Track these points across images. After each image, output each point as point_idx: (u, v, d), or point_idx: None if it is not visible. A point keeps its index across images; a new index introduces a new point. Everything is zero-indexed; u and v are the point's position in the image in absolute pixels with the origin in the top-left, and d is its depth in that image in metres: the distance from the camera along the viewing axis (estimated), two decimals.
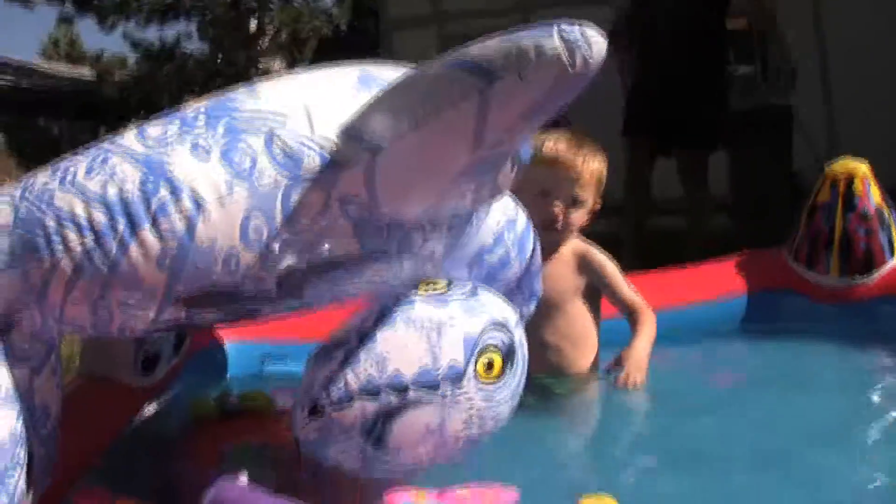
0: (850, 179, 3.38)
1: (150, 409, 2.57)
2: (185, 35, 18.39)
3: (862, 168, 3.40)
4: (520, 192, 2.74)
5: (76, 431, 1.97)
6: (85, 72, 19.99)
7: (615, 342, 2.81)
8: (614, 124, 5.95)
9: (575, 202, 2.77)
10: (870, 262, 3.37)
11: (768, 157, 7.34)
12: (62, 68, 23.06)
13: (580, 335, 2.87)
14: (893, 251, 3.39)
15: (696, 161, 5.76)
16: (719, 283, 3.53)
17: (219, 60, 17.29)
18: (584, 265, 2.87)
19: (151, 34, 18.92)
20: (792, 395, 2.71)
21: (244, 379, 2.97)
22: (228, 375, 3.03)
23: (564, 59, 1.43)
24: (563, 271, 2.85)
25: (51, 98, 19.75)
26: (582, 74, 1.45)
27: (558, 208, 2.76)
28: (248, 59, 16.37)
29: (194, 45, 18.40)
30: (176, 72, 17.16)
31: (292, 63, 18.61)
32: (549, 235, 2.77)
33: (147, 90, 16.86)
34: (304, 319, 2.44)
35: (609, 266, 2.87)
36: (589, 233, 2.90)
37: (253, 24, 17.44)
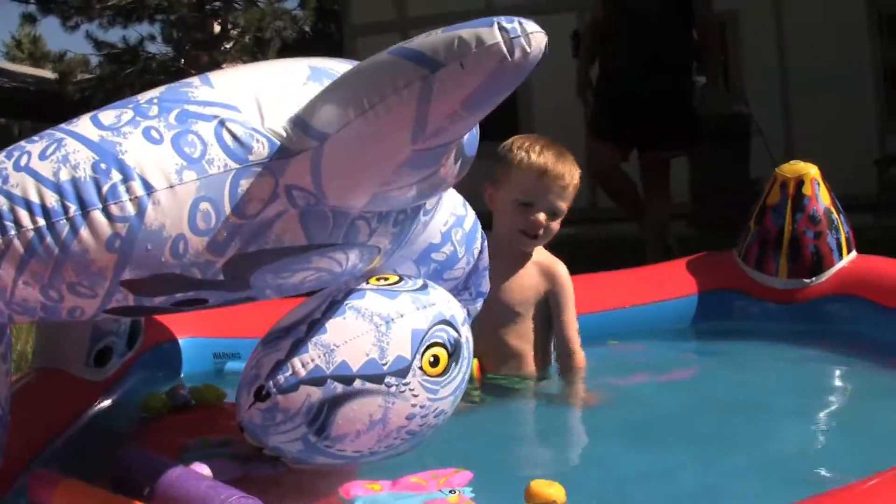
0: (799, 181, 3.42)
1: (102, 402, 2.57)
2: (149, 37, 18.32)
3: (812, 170, 3.44)
4: (503, 197, 2.80)
5: (27, 421, 1.97)
6: (47, 72, 19.84)
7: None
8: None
9: (556, 213, 2.81)
10: (818, 264, 3.41)
11: (727, 163, 7.43)
12: (25, 68, 22.90)
13: (539, 340, 2.90)
14: (842, 253, 3.42)
15: (660, 164, 5.85)
16: (670, 283, 3.57)
17: (182, 62, 17.20)
18: (550, 278, 2.90)
19: (115, 35, 18.83)
20: (735, 387, 2.79)
21: (196, 375, 2.98)
22: (181, 371, 3.05)
23: (503, 49, 1.46)
24: (531, 279, 2.89)
25: (12, 98, 19.58)
26: (520, 65, 1.48)
27: (541, 218, 2.78)
28: (211, 61, 16.30)
29: (157, 47, 18.33)
30: (139, 73, 17.07)
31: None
32: (526, 243, 2.84)
33: (109, 91, 16.76)
34: (255, 317, 2.47)
35: (569, 291, 2.90)
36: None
37: (216, 26, 17.39)
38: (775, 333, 3.28)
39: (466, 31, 1.48)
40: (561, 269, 2.91)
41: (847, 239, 3.45)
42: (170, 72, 17.19)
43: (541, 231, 2.79)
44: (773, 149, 6.55)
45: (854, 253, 3.47)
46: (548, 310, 2.89)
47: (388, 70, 1.55)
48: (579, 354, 2.86)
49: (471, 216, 2.38)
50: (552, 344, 2.91)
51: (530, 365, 2.88)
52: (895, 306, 3.14)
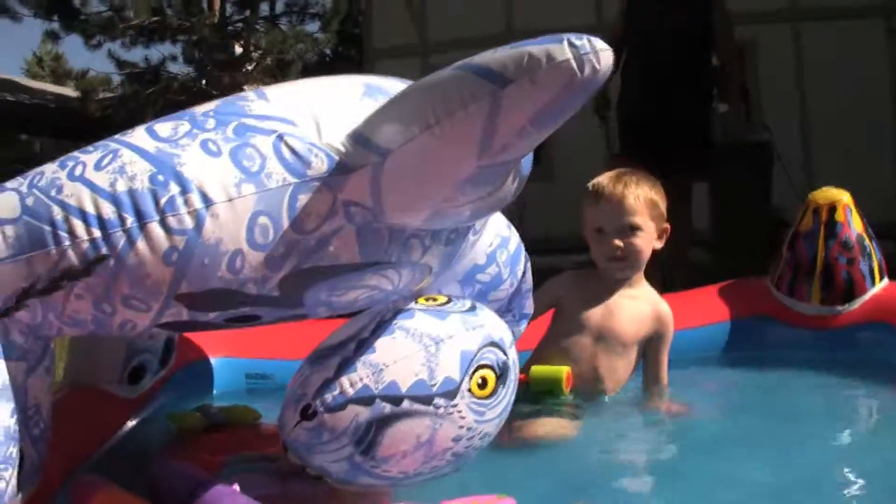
0: (832, 208, 3.41)
1: (135, 420, 2.58)
2: (171, 57, 18.41)
3: (844, 196, 3.43)
4: (586, 231, 2.85)
5: (63, 437, 1.97)
6: (69, 90, 19.92)
7: None
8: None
9: (631, 230, 2.82)
10: (851, 291, 3.39)
11: (749, 191, 7.39)
12: (46, 85, 22.99)
13: (623, 376, 2.89)
14: (874, 279, 3.41)
15: (682, 189, 5.79)
16: (703, 309, 3.56)
17: (203, 83, 17.28)
18: (657, 318, 2.90)
19: (137, 55, 18.87)
20: (772, 417, 2.74)
21: (227, 394, 2.98)
22: (212, 390, 3.05)
23: (574, 65, 1.48)
24: (641, 315, 2.89)
25: (34, 115, 19.67)
26: (590, 81, 1.50)
27: (615, 241, 2.81)
28: (233, 83, 16.38)
29: (179, 67, 18.43)
30: (160, 92, 17.14)
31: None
32: (617, 269, 2.86)
33: (131, 110, 16.84)
34: (287, 338, 2.46)
35: (671, 333, 2.92)
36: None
37: (238, 47, 17.48)
38: (808, 360, 3.25)
39: (536, 48, 1.49)
40: (669, 313, 2.92)
41: (879, 266, 3.44)
42: (191, 92, 17.25)
43: (619, 253, 2.81)
44: (794, 177, 6.52)
45: (886, 280, 3.46)
46: (644, 346, 2.90)
47: (455, 85, 1.55)
48: (664, 388, 2.90)
49: (515, 238, 2.38)
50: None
51: (602, 392, 2.86)
52: None
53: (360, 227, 1.69)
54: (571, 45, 1.48)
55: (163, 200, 1.57)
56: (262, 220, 1.60)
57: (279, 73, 17.02)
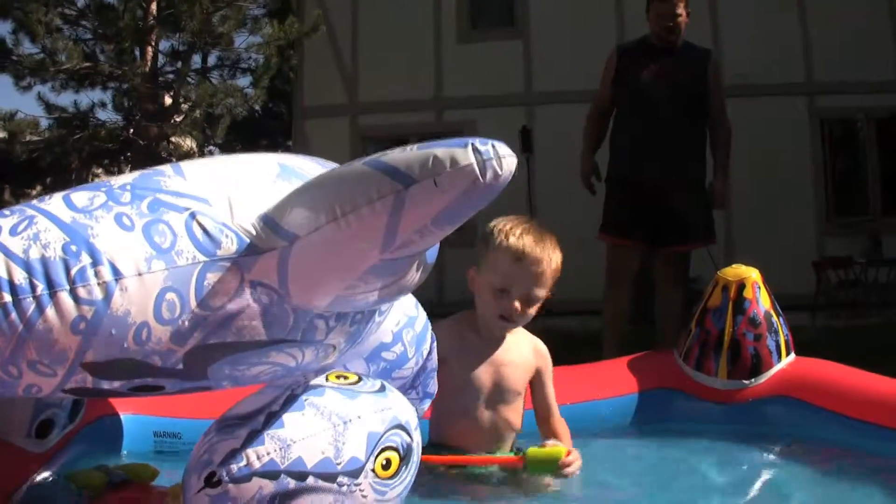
0: (741, 285, 3.49)
1: (41, 474, 2.55)
2: (100, 103, 18.25)
3: (753, 274, 3.52)
4: (482, 281, 2.79)
5: None
6: None
7: None
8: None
9: (531, 300, 2.78)
10: (757, 366, 3.46)
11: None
12: None
13: (519, 423, 2.92)
14: (781, 354, 3.49)
15: (681, 258, 5.74)
16: (613, 381, 3.60)
17: (131, 132, 17.14)
18: (538, 355, 2.94)
19: (66, 99, 18.63)
20: (674, 487, 2.82)
21: (136, 452, 2.96)
22: (121, 447, 3.03)
23: (476, 170, 1.54)
24: (525, 360, 2.92)
25: None
26: (491, 186, 1.57)
27: (517, 304, 2.76)
28: (160, 134, 16.28)
29: (108, 115, 18.27)
30: (87, 139, 16.95)
31: (204, 141, 18.54)
32: (503, 328, 2.86)
33: (57, 154, 16.65)
34: (197, 398, 2.46)
35: (551, 364, 2.96)
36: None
37: (168, 98, 17.38)
38: (714, 433, 3.31)
39: (441, 150, 1.55)
40: (543, 346, 2.96)
41: (786, 341, 3.52)
42: (118, 140, 17.11)
43: (513, 316, 2.78)
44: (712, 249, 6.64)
45: (793, 355, 3.53)
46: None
47: (362, 180, 1.61)
48: (558, 414, 2.94)
49: (422, 317, 2.42)
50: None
51: (503, 444, 2.90)
52: (832, 408, 3.19)
53: (266, 306, 1.72)
54: (475, 150, 1.55)
55: (74, 270, 1.59)
56: (170, 295, 1.63)
57: (207, 126, 16.94)
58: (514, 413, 2.90)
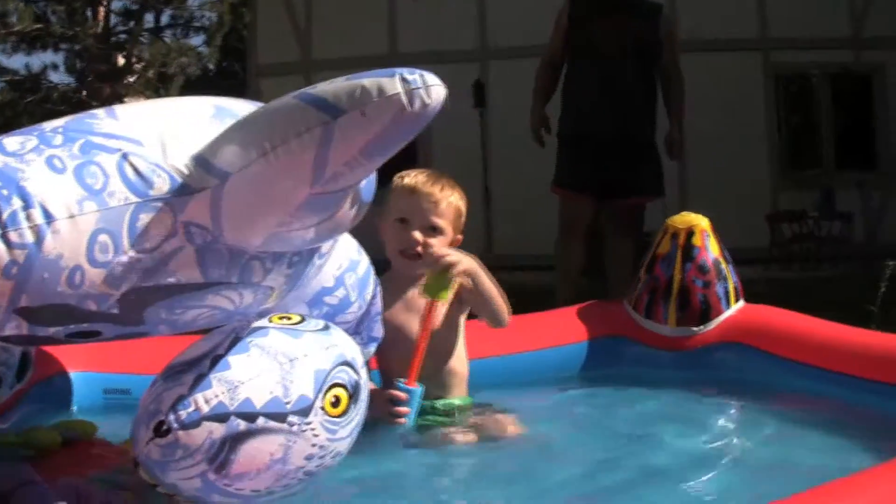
0: (689, 232, 3.51)
1: None
2: (52, 66, 18.06)
3: (702, 221, 3.53)
4: (385, 223, 2.80)
5: None
6: None
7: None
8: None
9: (433, 230, 2.81)
10: (707, 313, 3.48)
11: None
12: None
13: (463, 352, 2.91)
14: (730, 301, 3.51)
15: (632, 210, 5.77)
16: (562, 330, 3.62)
17: (84, 93, 16.98)
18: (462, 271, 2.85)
19: (18, 62, 18.47)
20: (625, 434, 2.84)
21: (86, 409, 2.96)
22: (71, 405, 3.02)
23: (404, 99, 1.53)
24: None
25: None
26: (419, 115, 1.56)
27: (417, 234, 2.80)
28: (114, 94, 16.13)
29: (60, 77, 18.10)
30: (39, 102, 16.79)
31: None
32: (408, 266, 2.85)
33: (8, 118, 16.49)
34: (148, 354, 2.46)
35: (476, 265, 2.83)
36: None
37: (121, 58, 17.22)
38: (664, 379, 3.34)
39: (369, 80, 1.54)
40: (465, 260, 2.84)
41: (735, 288, 3.54)
42: (71, 102, 16.96)
43: (419, 248, 2.80)
44: (667, 203, 6.67)
45: (742, 302, 3.56)
46: (458, 325, 2.90)
47: (290, 114, 1.60)
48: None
49: (364, 262, 2.41)
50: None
51: (465, 387, 2.91)
52: (780, 353, 3.23)
53: (201, 247, 1.71)
54: (403, 79, 1.54)
55: (5, 215, 1.57)
56: (103, 237, 1.61)
57: (161, 85, 16.82)
58: (451, 354, 2.88)
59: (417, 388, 2.65)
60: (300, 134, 1.57)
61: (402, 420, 2.60)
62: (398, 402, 2.61)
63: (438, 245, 2.82)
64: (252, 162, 1.62)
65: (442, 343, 2.83)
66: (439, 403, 2.83)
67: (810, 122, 15.52)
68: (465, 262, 2.71)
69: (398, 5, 14.99)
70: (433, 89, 1.56)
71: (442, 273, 2.65)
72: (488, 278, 2.82)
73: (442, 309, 2.80)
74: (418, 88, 1.55)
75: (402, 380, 2.62)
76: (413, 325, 2.78)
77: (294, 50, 15.18)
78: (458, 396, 2.89)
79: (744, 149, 14.11)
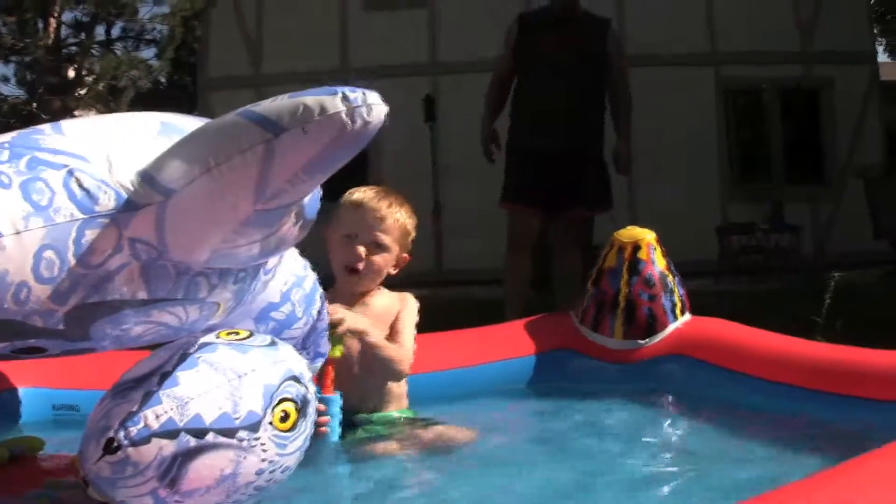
0: (636, 246, 3.55)
1: None
2: (2, 78, 17.89)
3: (648, 235, 3.58)
4: (331, 238, 2.83)
5: None
6: None
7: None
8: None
9: (378, 246, 2.83)
10: (652, 326, 3.52)
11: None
12: None
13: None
14: (676, 314, 3.55)
15: (580, 224, 5.82)
16: (509, 343, 3.64)
17: (34, 106, 16.82)
18: (402, 302, 2.95)
19: None
20: (571, 447, 2.85)
21: (34, 425, 2.94)
22: (19, 421, 3.01)
23: (345, 117, 1.56)
24: (385, 311, 2.92)
25: None
26: (360, 134, 1.58)
27: (360, 249, 2.81)
28: (64, 107, 15.99)
29: (10, 89, 17.92)
30: None
31: (108, 114, 18.24)
32: (352, 282, 2.87)
33: None
34: (96, 369, 2.44)
35: (413, 308, 2.95)
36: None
37: (71, 71, 17.08)
38: (611, 392, 3.35)
39: (311, 99, 1.56)
40: (410, 296, 2.96)
41: (682, 301, 3.58)
42: (21, 115, 16.78)
43: (361, 265, 2.82)
44: (616, 216, 6.72)
45: (688, 315, 3.60)
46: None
47: (233, 131, 1.62)
48: (405, 355, 2.87)
49: (311, 277, 2.42)
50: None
51: (404, 401, 2.93)
52: (726, 365, 3.26)
53: (146, 264, 1.72)
54: (345, 97, 1.57)
55: None
56: (49, 253, 1.61)
57: (111, 99, 16.70)
58: (385, 369, 2.88)
59: (336, 396, 2.67)
60: (243, 151, 1.59)
61: (324, 430, 2.60)
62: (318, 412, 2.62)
63: (382, 261, 2.85)
64: (196, 178, 1.63)
65: (374, 360, 2.84)
66: (375, 417, 2.86)
67: (760, 136, 15.70)
68: (352, 321, 2.73)
69: (350, 20, 15.00)
70: (374, 107, 1.59)
71: (331, 329, 2.66)
72: (383, 335, 2.84)
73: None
74: (359, 107, 1.57)
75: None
76: (354, 340, 2.81)
77: (245, 64, 15.12)
78: (395, 409, 2.91)
79: (694, 162, 14.25)
